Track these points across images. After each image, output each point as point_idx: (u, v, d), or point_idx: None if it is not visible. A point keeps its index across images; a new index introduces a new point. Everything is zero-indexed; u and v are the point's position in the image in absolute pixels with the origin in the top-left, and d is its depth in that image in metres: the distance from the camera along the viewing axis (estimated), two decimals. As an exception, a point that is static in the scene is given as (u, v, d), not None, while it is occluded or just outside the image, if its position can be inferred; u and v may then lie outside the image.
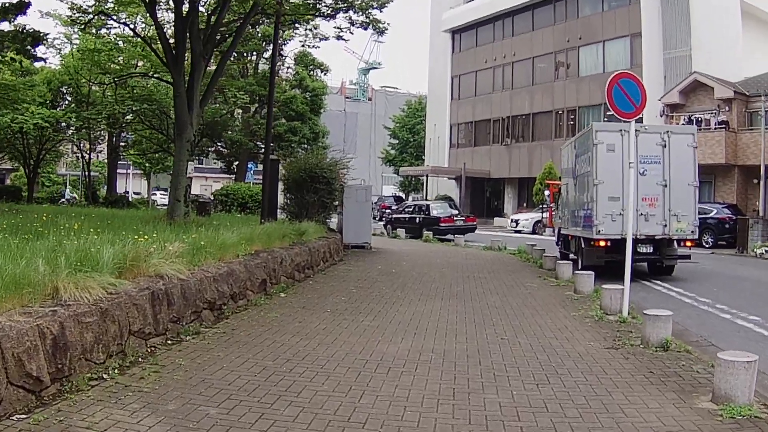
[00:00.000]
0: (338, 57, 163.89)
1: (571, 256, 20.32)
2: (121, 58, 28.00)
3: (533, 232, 39.15)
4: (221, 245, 11.48)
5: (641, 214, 16.17)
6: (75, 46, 35.74)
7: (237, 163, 35.08)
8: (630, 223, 11.70)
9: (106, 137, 42.18)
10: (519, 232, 39.85)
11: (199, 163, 73.85)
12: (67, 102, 38.96)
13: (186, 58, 18.37)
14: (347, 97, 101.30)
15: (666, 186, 16.13)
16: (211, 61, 19.79)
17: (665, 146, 16.31)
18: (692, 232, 16.57)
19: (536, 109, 50.78)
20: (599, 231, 16.07)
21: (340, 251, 19.51)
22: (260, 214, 19.57)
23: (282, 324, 9.34)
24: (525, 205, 50.58)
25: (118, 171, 42.79)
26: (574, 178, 18.81)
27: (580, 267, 16.79)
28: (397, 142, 72.51)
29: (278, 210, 21.99)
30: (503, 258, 21.54)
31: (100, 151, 47.47)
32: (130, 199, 41.92)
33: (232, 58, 33.39)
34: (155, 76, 24.21)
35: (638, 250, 16.40)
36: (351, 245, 22.30)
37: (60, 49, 37.63)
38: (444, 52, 60.67)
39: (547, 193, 34.10)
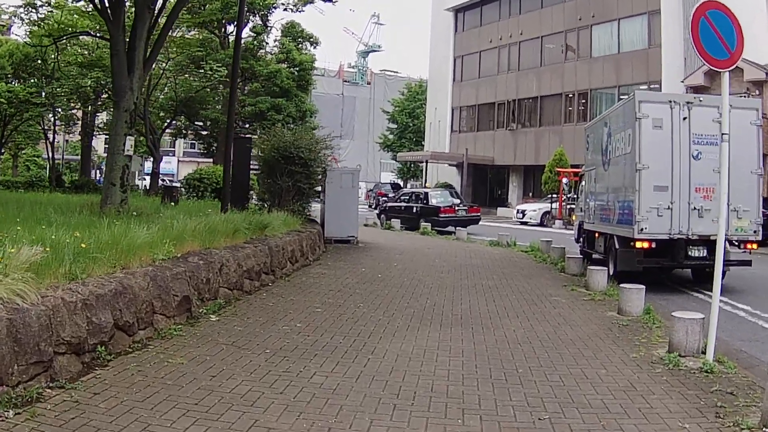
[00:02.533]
0: (336, 40, 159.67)
1: (595, 256, 17.00)
2: (60, 14, 24.29)
3: (541, 224, 35.82)
4: (127, 247, 8.03)
5: (694, 208, 12.86)
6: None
7: (216, 144, 31.48)
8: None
9: (81, 117, 38.88)
10: (525, 223, 36.48)
11: (190, 147, 70.42)
12: (36, 79, 35.38)
13: (127, 7, 14.83)
14: (345, 81, 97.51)
15: (724, 173, 12.70)
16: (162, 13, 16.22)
17: (724, 123, 12.88)
18: (755, 232, 13.23)
19: (544, 91, 47.28)
20: (642, 229, 12.63)
21: (318, 248, 16.04)
22: (221, 203, 16.10)
23: (182, 381, 5.85)
24: (531, 194, 47.61)
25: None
26: (604, 163, 15.33)
27: (611, 272, 13.41)
28: (396, 126, 69.15)
29: (251, 197, 18.57)
30: (514, 257, 18.06)
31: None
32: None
33: (211, 28, 29.93)
34: (98, 35, 20.61)
35: (689, 253, 13.07)
36: (334, 239, 18.84)
37: (23, 19, 33.99)
38: (446, 32, 57.14)
39: (565, 181, 30.55)
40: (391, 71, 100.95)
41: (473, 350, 7.31)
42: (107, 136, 38.43)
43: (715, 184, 12.86)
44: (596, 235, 16.37)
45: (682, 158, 12.79)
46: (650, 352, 7.61)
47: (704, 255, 13.11)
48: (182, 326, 7.79)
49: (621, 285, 10.24)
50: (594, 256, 17.17)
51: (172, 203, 22.14)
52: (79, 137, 41.51)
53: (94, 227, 8.86)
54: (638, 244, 12.80)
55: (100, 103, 33.16)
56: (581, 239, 18.54)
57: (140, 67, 14.49)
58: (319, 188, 19.55)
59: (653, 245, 12.84)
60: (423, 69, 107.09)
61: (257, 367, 6.30)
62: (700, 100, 13.20)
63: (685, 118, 12.86)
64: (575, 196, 33.95)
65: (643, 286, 10.10)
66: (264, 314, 8.82)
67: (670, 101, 12.97)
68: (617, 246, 13.82)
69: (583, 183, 18.67)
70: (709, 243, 13.00)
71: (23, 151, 54.34)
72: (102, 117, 39.27)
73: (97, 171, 58.35)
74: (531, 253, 18.68)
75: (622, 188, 13.83)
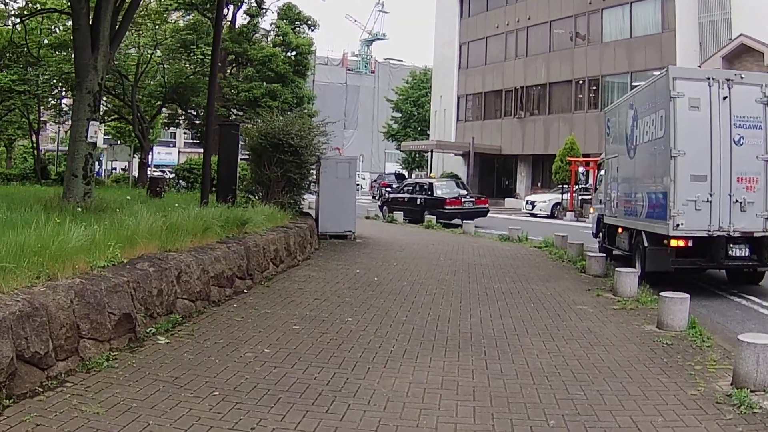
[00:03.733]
0: (340, 27, 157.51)
1: (616, 252, 15.39)
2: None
3: (551, 216, 34.11)
4: (57, 253, 6.44)
5: (735, 200, 11.20)
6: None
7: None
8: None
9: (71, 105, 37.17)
10: (535, 215, 34.77)
11: (192, 137, 68.69)
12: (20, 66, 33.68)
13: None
14: (348, 70, 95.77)
15: (768, 161, 11.18)
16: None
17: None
18: (805, 228, 11.48)
19: (553, 78, 45.36)
20: (678, 225, 10.97)
21: (310, 245, 14.39)
22: (201, 195, 14.51)
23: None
24: (539, 185, 45.88)
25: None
26: (630, 149, 13.63)
27: (638, 273, 11.77)
28: (400, 115, 67.23)
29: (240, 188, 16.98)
30: (527, 254, 16.38)
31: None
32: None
33: (203, 11, 28.27)
34: (66, 11, 18.89)
35: (730, 252, 11.36)
36: (329, 235, 17.20)
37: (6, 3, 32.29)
38: (451, 17, 55.23)
39: (581, 170, 28.67)
40: (395, 60, 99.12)
41: (488, 389, 5.64)
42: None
43: (759, 173, 11.26)
44: (619, 230, 14.70)
45: (723, 144, 11.10)
46: (711, 386, 5.96)
47: (747, 254, 11.44)
48: (119, 353, 6.17)
49: (661, 294, 8.55)
50: (615, 252, 15.58)
51: (159, 196, 20.70)
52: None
53: (28, 227, 7.25)
54: (673, 242, 11.12)
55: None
56: (600, 234, 16.89)
57: (106, 44, 12.84)
58: (313, 179, 17.94)
59: (689, 243, 11.18)
60: (428, 58, 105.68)
61: (195, 421, 4.66)
62: (742, 77, 11.49)
63: (725, 98, 11.16)
64: (589, 186, 32.34)
65: (687, 295, 8.43)
66: (227, 334, 7.17)
67: (708, 78, 11.28)
68: (646, 243, 12.15)
69: (603, 172, 16.98)
70: (752, 241, 11.35)
71: (20, 143, 52.89)
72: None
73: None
74: (545, 250, 16.99)
75: (652, 178, 12.16)
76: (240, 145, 17.37)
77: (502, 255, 15.80)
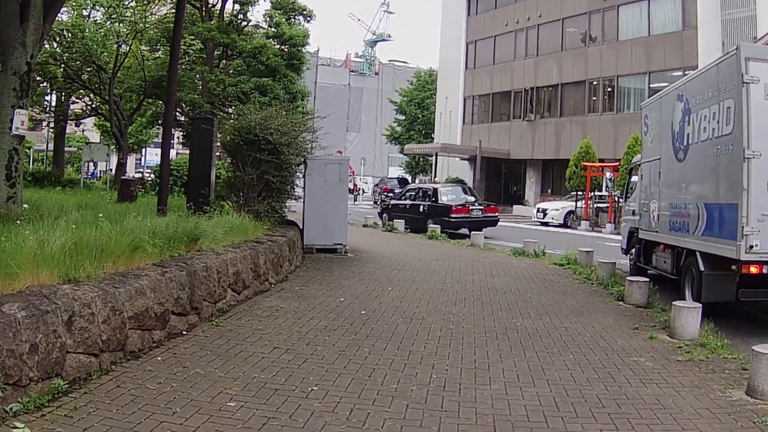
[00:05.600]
0: (343, 29, 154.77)
1: (650, 271, 13.02)
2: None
3: (564, 225, 31.75)
4: None
5: (822, 216, 8.70)
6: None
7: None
8: None
9: (53, 102, 34.98)
10: (546, 224, 32.45)
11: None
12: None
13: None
14: (352, 71, 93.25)
15: None
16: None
17: None
18: None
19: (565, 79, 42.97)
20: (752, 246, 8.54)
21: (289, 263, 11.97)
22: (158, 202, 12.12)
23: None
24: (549, 191, 43.57)
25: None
26: (678, 150, 11.19)
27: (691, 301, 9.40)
28: (404, 117, 64.73)
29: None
30: (548, 273, 13.91)
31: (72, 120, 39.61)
32: (82, 177, 34.19)
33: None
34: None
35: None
36: (315, 248, 14.78)
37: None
38: (458, 15, 52.83)
39: (609, 176, 26.12)
40: (399, 61, 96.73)
41: None
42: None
43: None
44: (660, 247, 12.28)
45: None
46: None
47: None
48: None
49: (755, 349, 6.10)
50: (649, 272, 13.18)
51: (131, 200, 18.48)
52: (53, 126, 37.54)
53: None
54: (746, 268, 8.68)
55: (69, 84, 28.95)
56: (633, 250, 14.46)
57: (38, 15, 10.47)
58: (299, 183, 15.56)
59: (764, 270, 8.74)
60: (433, 60, 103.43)
61: None
62: (828, 59, 9.05)
63: (810, 85, 8.75)
64: (605, 194, 29.82)
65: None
66: (122, 417, 4.72)
67: (788, 59, 8.87)
68: (702, 267, 9.71)
69: (637, 178, 14.54)
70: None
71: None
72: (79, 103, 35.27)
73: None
74: (568, 268, 14.53)
75: (712, 186, 9.74)
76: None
77: (520, 275, 13.34)
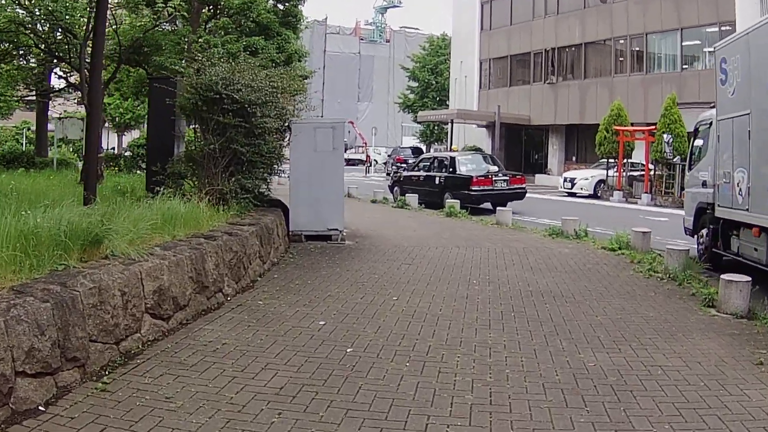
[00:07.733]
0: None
1: (726, 257, 10.13)
2: None
3: (594, 196, 28.79)
4: None
5: None
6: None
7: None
8: None
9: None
10: (574, 195, 29.60)
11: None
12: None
13: None
14: (362, 39, 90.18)
15: None
16: None
17: None
18: None
19: (589, 38, 40.02)
20: None
21: (261, 260, 9.09)
22: (84, 186, 9.22)
23: None
24: (574, 159, 40.87)
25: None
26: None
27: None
28: (417, 84, 61.68)
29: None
30: (600, 261, 10.96)
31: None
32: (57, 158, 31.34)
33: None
34: None
35: None
36: (304, 235, 11.84)
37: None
38: (472, -27, 49.73)
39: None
40: (411, 28, 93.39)
41: None
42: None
43: None
44: (754, 231, 9.20)
45: None
46: None
47: None
48: None
49: None
50: (725, 258, 10.26)
51: (97, 180, 15.69)
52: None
53: None
54: None
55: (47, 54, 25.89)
56: (703, 232, 11.41)
57: None
58: (286, 154, 12.58)
59: None
60: (446, 25, 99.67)
61: None
62: None
63: None
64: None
65: None
66: None
67: None
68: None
69: (708, 140, 11.46)
70: None
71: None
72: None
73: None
74: (622, 254, 11.55)
75: None
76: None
77: (566, 267, 10.36)
